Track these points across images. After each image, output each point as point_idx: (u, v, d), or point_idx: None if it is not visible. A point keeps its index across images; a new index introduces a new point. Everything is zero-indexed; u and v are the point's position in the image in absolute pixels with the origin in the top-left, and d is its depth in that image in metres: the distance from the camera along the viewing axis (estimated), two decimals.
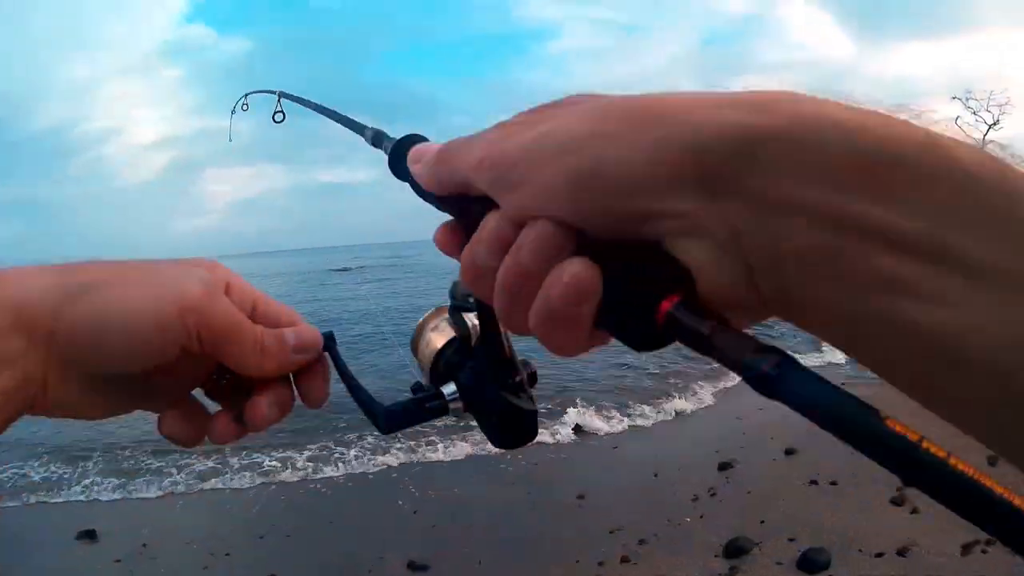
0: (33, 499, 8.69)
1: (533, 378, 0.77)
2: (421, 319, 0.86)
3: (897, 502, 6.46)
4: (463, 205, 0.58)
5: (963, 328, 0.38)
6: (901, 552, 5.58)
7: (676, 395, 11.84)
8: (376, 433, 7.64)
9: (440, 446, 9.45)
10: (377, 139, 0.91)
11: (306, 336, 0.70)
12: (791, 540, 5.99)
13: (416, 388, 0.82)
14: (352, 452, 9.63)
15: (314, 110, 1.41)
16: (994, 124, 41.00)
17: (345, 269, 70.22)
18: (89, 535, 7.56)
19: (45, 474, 9.59)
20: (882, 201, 0.39)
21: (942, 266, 0.38)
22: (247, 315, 0.66)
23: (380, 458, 9.34)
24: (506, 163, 0.50)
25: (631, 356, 14.04)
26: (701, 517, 6.77)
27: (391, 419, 0.76)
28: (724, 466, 8.07)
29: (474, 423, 0.78)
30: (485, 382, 0.74)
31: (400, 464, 9.17)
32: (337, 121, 1.20)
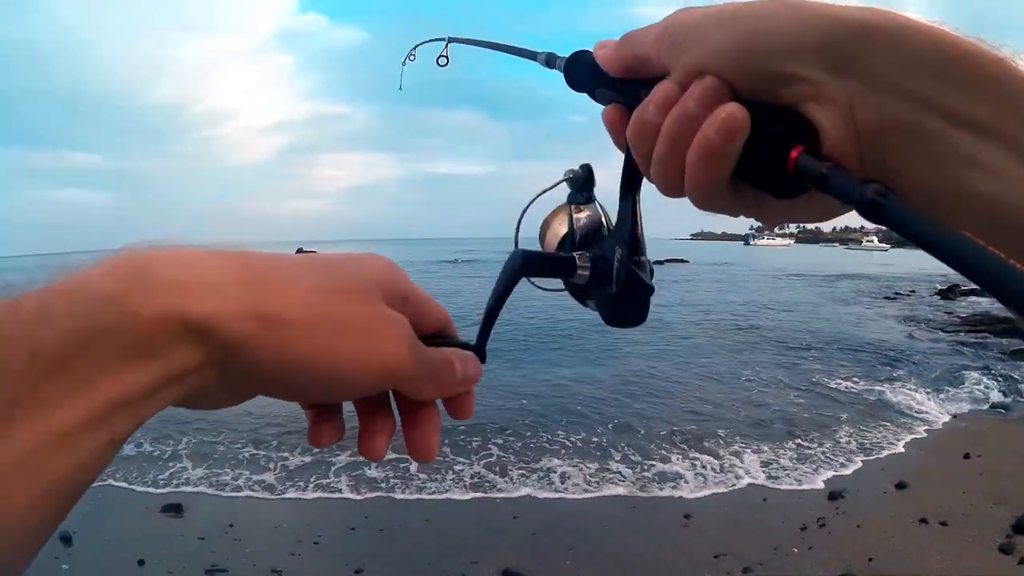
0: (121, 481, 8.66)
1: (652, 272, 0.82)
2: (549, 213, 0.94)
3: (1006, 550, 6.21)
4: (634, 88, 0.67)
5: (1014, 197, 0.49)
6: None
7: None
8: (493, 449, 7.46)
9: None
10: (550, 60, 0.97)
11: (471, 369, 0.68)
12: None
13: (520, 256, 0.84)
14: (466, 467, 9.32)
15: (484, 47, 1.52)
16: None
17: (454, 261, 71.59)
18: (175, 509, 7.66)
19: (138, 449, 9.59)
20: (962, 90, 0.50)
21: (1001, 146, 0.49)
22: (413, 322, 0.62)
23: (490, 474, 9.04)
24: (685, 28, 0.61)
25: (763, 395, 13.42)
26: (809, 548, 6.52)
27: (527, 258, 0.80)
28: (834, 496, 7.76)
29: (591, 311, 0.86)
30: (615, 253, 0.79)
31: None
32: (508, 52, 1.26)
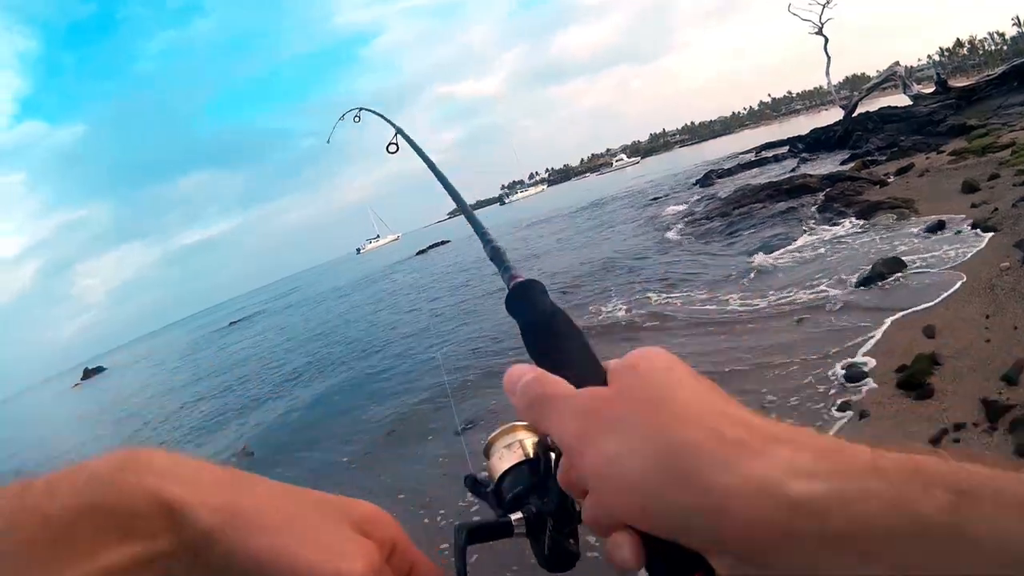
0: None
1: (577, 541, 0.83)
2: (496, 432, 0.93)
3: None
4: None
5: None
6: None
7: None
8: None
9: None
10: (496, 255, 1.06)
11: None
12: None
13: (470, 480, 0.90)
14: None
15: (427, 165, 1.65)
16: (827, 3, 41.62)
17: (230, 325, 70.43)
18: None
19: None
20: (847, 558, 0.48)
21: None
22: None
23: None
24: (582, 474, 0.62)
25: None
26: None
27: (471, 531, 0.79)
28: None
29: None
30: (547, 523, 0.79)
31: None
32: (473, 228, 1.27)
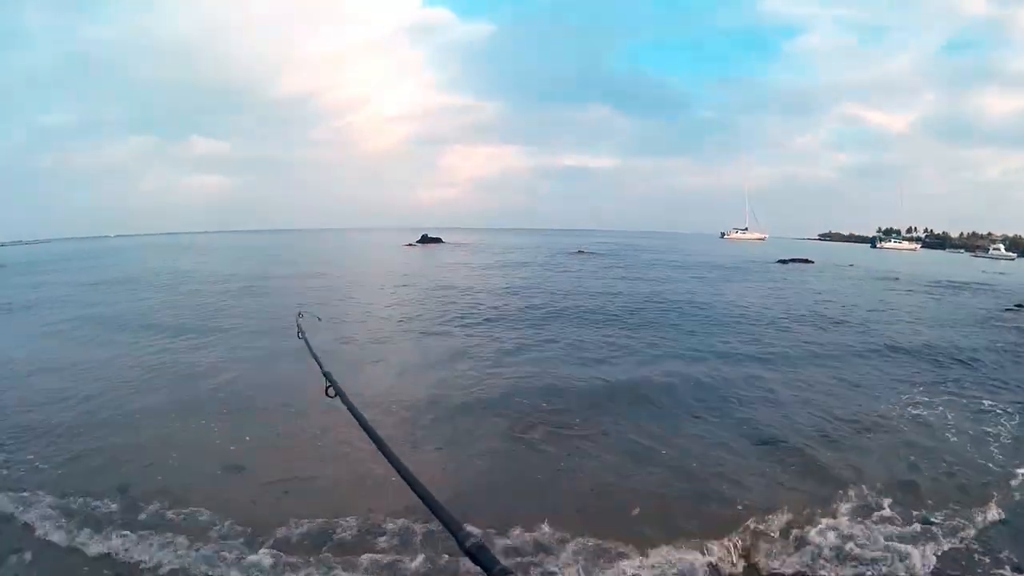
0: None
1: None
2: None
3: None
4: None
5: None
6: None
7: None
8: None
9: None
10: (479, 550, 1.05)
11: None
12: None
13: None
14: None
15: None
16: None
17: (578, 252, 72.61)
18: None
19: None
20: None
21: None
22: None
23: None
24: None
25: None
26: None
27: None
28: None
29: None
30: None
31: None
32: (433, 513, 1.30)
